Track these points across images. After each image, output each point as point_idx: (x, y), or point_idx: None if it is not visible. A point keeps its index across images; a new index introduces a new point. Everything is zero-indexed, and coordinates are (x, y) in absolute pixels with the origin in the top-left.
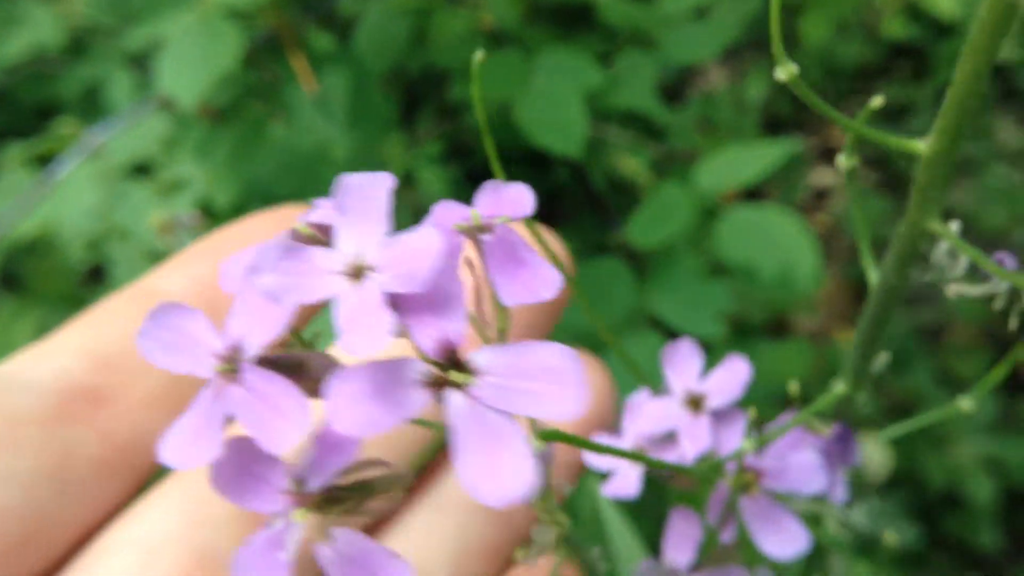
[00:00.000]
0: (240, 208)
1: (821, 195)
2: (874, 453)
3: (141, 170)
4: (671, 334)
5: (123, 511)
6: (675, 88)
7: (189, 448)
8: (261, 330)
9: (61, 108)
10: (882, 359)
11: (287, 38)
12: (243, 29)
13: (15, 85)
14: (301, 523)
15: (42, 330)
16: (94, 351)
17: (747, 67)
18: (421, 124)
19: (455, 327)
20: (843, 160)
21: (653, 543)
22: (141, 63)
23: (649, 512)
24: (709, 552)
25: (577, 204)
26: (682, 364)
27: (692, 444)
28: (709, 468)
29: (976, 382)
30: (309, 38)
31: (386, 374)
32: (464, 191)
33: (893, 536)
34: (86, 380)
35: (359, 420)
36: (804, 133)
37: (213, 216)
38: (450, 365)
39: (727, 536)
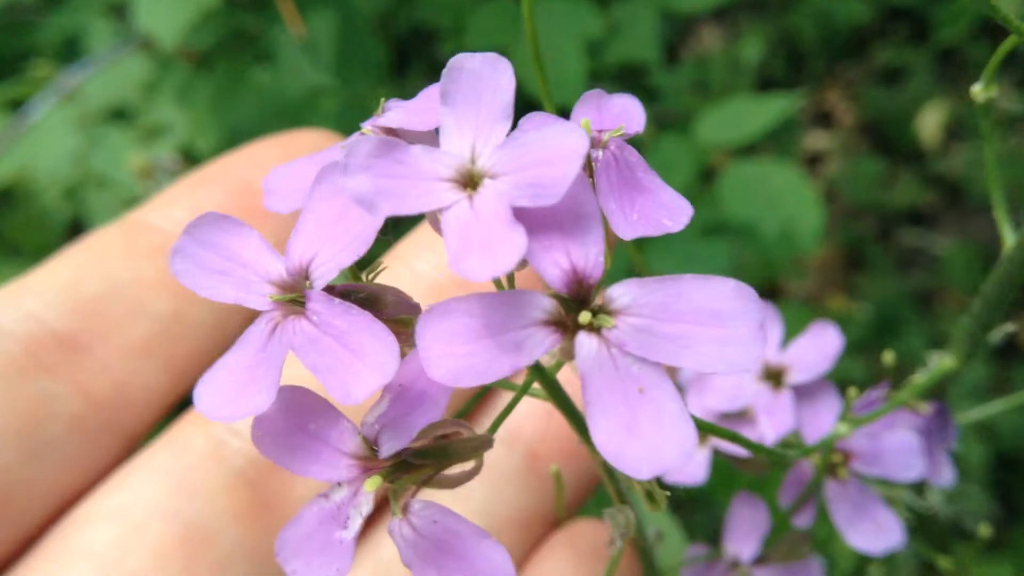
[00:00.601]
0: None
1: (814, 160)
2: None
3: (119, 115)
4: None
5: (107, 477)
6: (669, 50)
7: (235, 395)
8: (337, 250)
9: (38, 57)
10: (1005, 329)
11: None
12: None
13: None
14: (371, 494)
15: None
16: (71, 293)
17: (742, 28)
18: (411, 81)
19: (591, 252)
20: (979, 90)
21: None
22: (121, 11)
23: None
24: (779, 539)
25: None
26: None
27: (772, 424)
28: (801, 451)
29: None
30: None
31: (498, 310)
32: None
33: (987, 528)
34: (60, 326)
35: (462, 367)
36: (798, 94)
37: (193, 161)
38: (582, 302)
39: (803, 522)
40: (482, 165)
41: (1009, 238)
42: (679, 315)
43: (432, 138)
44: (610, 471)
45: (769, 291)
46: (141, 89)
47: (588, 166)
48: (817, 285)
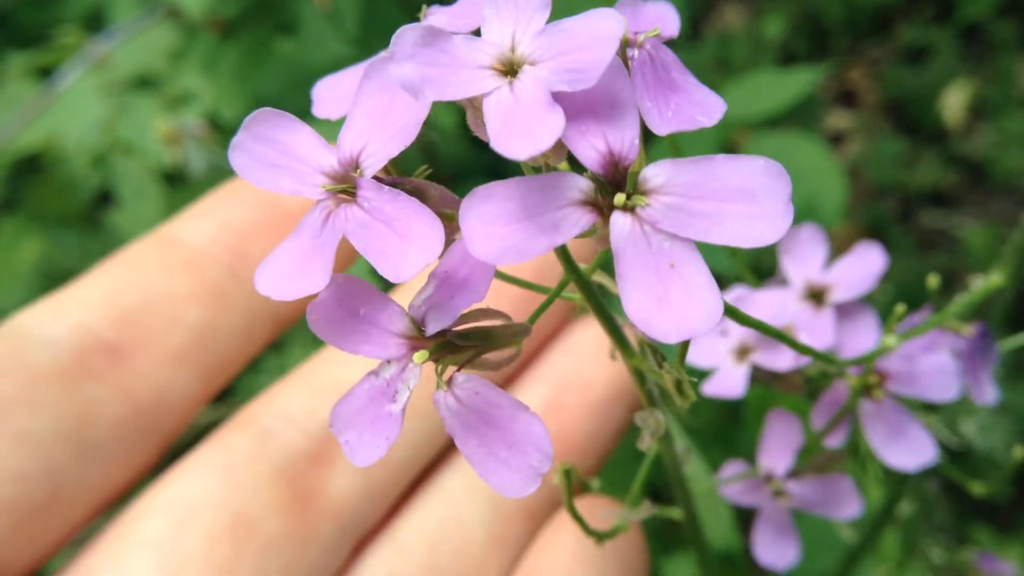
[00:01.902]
0: None
1: (836, 138)
2: None
3: (145, 83)
4: None
5: (151, 475)
6: (691, 26)
7: (293, 277)
8: (385, 140)
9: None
10: None
11: None
12: None
13: (15, 8)
14: (418, 368)
15: (47, 253)
16: (114, 304)
17: (764, 5)
18: None
19: (626, 136)
20: None
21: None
22: None
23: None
24: (810, 460)
25: None
26: (803, 251)
27: (813, 340)
28: (848, 362)
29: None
30: None
31: (537, 191)
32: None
33: (1021, 450)
34: (105, 334)
35: (502, 245)
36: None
37: (220, 130)
38: (616, 182)
39: (835, 442)
40: (522, 52)
41: None
42: (711, 193)
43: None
44: (642, 378)
45: None
46: (167, 57)
47: (624, 64)
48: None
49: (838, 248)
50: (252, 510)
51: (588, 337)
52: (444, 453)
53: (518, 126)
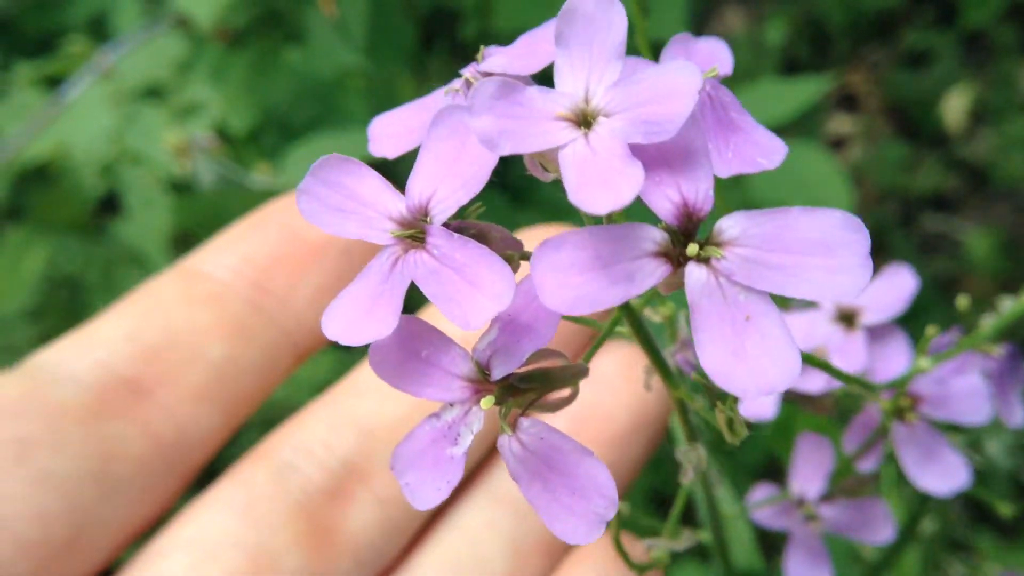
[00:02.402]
0: (255, 134)
1: (838, 143)
2: None
3: (153, 93)
4: None
5: (172, 512)
6: (694, 31)
7: (360, 322)
8: (456, 188)
9: (67, 36)
10: None
11: None
12: None
13: (19, 13)
14: (483, 413)
15: (53, 261)
16: (136, 340)
17: (766, 11)
18: (434, 62)
19: (700, 187)
20: None
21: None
22: None
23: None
24: (840, 483)
25: None
26: None
27: (845, 364)
28: (883, 386)
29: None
30: None
31: (611, 241)
32: None
33: None
34: (127, 371)
35: (576, 295)
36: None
37: (228, 141)
38: (690, 233)
39: (868, 466)
40: (596, 104)
41: None
42: (787, 245)
43: (531, 83)
44: (684, 410)
45: None
46: (175, 67)
47: None
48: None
49: None
50: (271, 547)
51: (609, 365)
52: (462, 488)
53: (597, 179)
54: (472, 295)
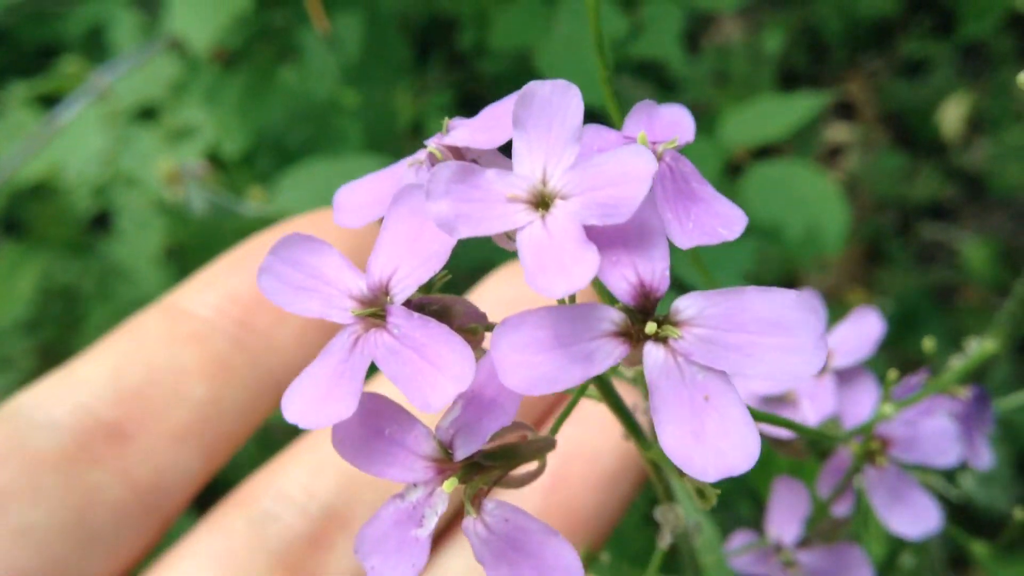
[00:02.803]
0: (249, 157)
1: (835, 152)
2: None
3: (147, 114)
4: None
5: (151, 556)
6: (690, 39)
7: (320, 403)
8: (416, 267)
9: (63, 48)
10: None
11: None
12: None
13: (16, 24)
14: (447, 495)
15: (48, 272)
16: (117, 382)
17: (763, 19)
18: (431, 72)
19: (657, 267)
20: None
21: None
22: (145, 3)
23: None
24: (816, 526)
25: None
26: None
27: (815, 408)
28: (848, 433)
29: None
30: None
31: (569, 321)
32: None
33: (1021, 512)
34: (107, 415)
35: (534, 374)
36: (819, 87)
37: (221, 165)
38: (648, 313)
39: (842, 510)
40: (553, 186)
41: None
42: (743, 325)
43: (496, 155)
44: (658, 469)
45: (789, 285)
46: (169, 88)
47: None
48: (837, 279)
49: (839, 264)
50: None
51: (594, 404)
52: (444, 534)
53: (552, 263)
54: (432, 376)
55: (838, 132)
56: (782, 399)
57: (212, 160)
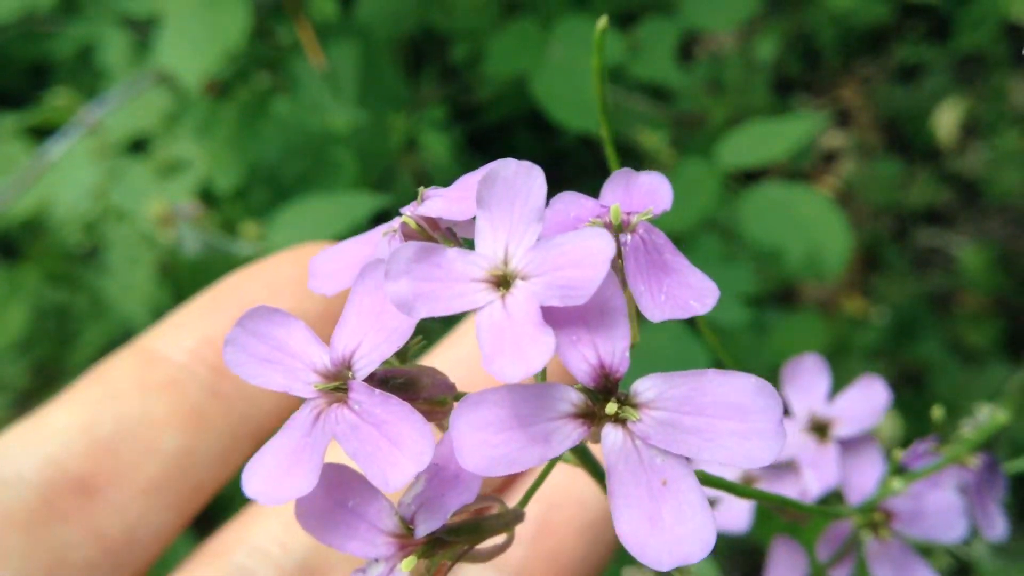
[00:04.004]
0: (242, 192)
1: (830, 158)
2: (884, 423)
3: (138, 146)
4: (692, 321)
5: None
6: (683, 49)
7: (281, 478)
8: (379, 342)
9: (53, 67)
10: None
11: (292, 5)
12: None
13: (5, 43)
14: (407, 573)
15: (37, 312)
16: (87, 433)
17: (756, 27)
18: (424, 85)
19: (617, 347)
20: None
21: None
22: (135, 24)
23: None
24: None
25: (584, 169)
26: (806, 382)
27: (817, 477)
28: (849, 511)
29: (988, 351)
30: (314, 4)
31: (528, 400)
32: (467, 156)
33: None
34: (77, 468)
35: (493, 456)
36: (813, 94)
37: (213, 201)
38: (607, 394)
39: (841, 574)
40: (515, 266)
41: None
42: (702, 408)
43: (471, 225)
44: None
45: (785, 294)
46: (161, 121)
47: (617, 249)
48: (834, 287)
49: (841, 283)
50: None
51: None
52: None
53: (509, 346)
54: (392, 454)
55: (833, 138)
56: (784, 465)
57: (205, 195)
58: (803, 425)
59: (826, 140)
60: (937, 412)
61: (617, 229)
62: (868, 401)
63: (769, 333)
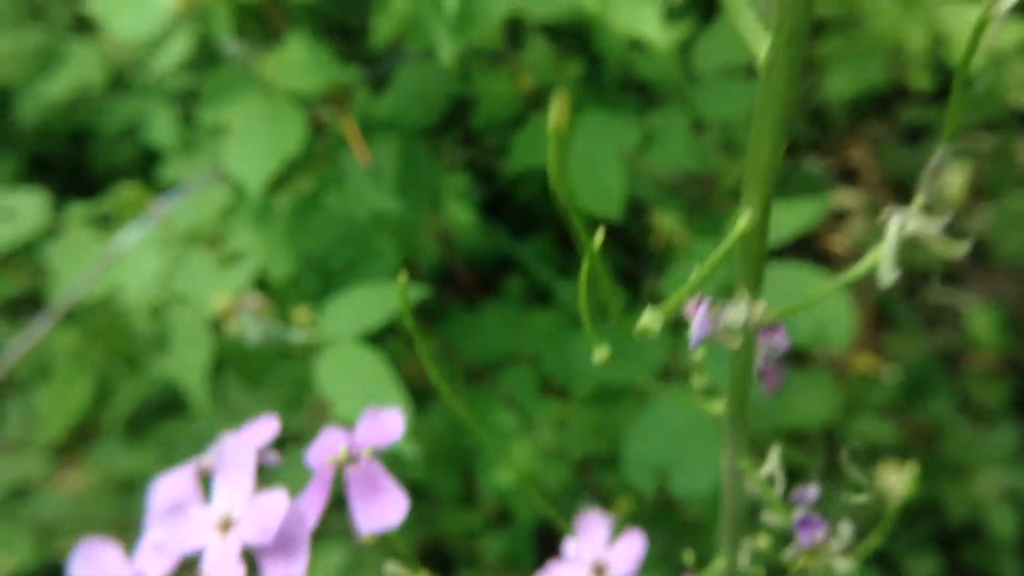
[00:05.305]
0: (295, 281)
1: (840, 216)
2: (896, 482)
3: (199, 238)
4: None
5: None
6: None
7: None
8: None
9: (98, 137)
10: None
11: (340, 105)
12: (304, 109)
13: (51, 118)
14: None
15: (101, 393)
16: None
17: None
18: (445, 149)
19: (297, 570)
20: None
21: None
22: (183, 100)
23: None
24: None
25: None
26: (591, 531)
27: None
28: None
29: (998, 410)
30: (360, 102)
31: None
32: (487, 219)
33: None
34: None
35: None
36: (822, 154)
37: (269, 290)
38: None
39: None
40: (233, 515)
41: None
42: None
43: None
44: None
45: (796, 354)
46: (221, 214)
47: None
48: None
49: (852, 341)
50: None
51: None
52: None
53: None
54: None
55: (843, 197)
56: None
57: (260, 284)
58: (588, 568)
59: (836, 199)
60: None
61: (346, 462)
62: (632, 549)
63: (781, 393)
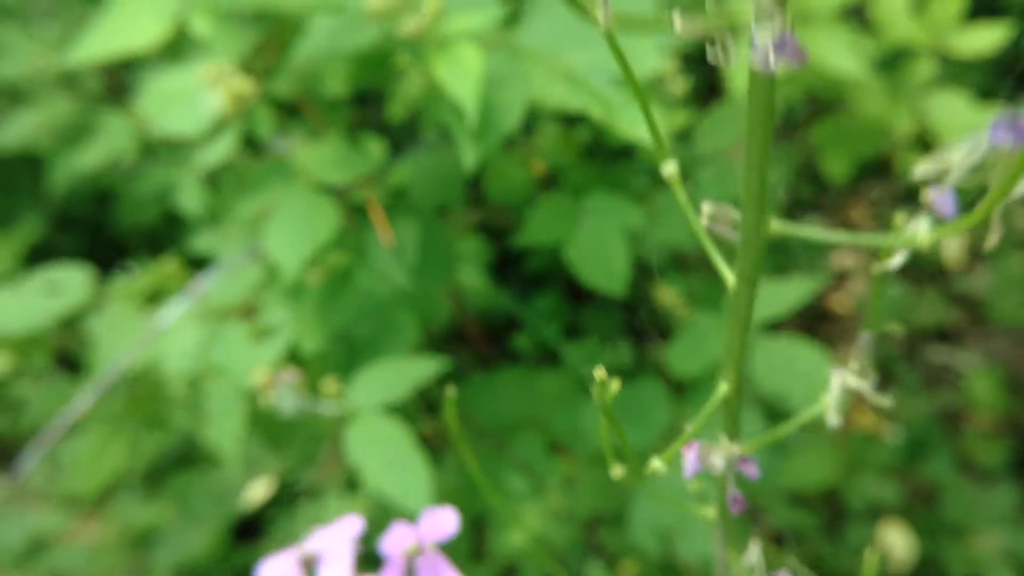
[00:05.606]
0: (324, 355)
1: (841, 277)
2: (897, 542)
3: (233, 312)
4: None
5: None
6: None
7: None
8: None
9: (123, 199)
10: None
11: (367, 189)
12: (336, 197)
13: (80, 184)
14: None
15: (134, 456)
16: None
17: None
18: (456, 210)
19: None
20: None
21: None
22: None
23: None
24: None
25: (607, 309)
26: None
27: None
28: None
29: (998, 471)
30: (384, 183)
31: None
32: (497, 273)
33: None
34: None
35: None
36: (823, 213)
37: (301, 363)
38: None
39: None
40: None
41: None
42: None
43: None
44: None
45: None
46: (255, 290)
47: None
48: (846, 404)
49: (854, 401)
50: None
51: None
52: None
53: None
54: None
55: (843, 258)
56: None
57: (293, 357)
58: None
59: (837, 260)
60: None
61: (416, 553)
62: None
63: (783, 453)
